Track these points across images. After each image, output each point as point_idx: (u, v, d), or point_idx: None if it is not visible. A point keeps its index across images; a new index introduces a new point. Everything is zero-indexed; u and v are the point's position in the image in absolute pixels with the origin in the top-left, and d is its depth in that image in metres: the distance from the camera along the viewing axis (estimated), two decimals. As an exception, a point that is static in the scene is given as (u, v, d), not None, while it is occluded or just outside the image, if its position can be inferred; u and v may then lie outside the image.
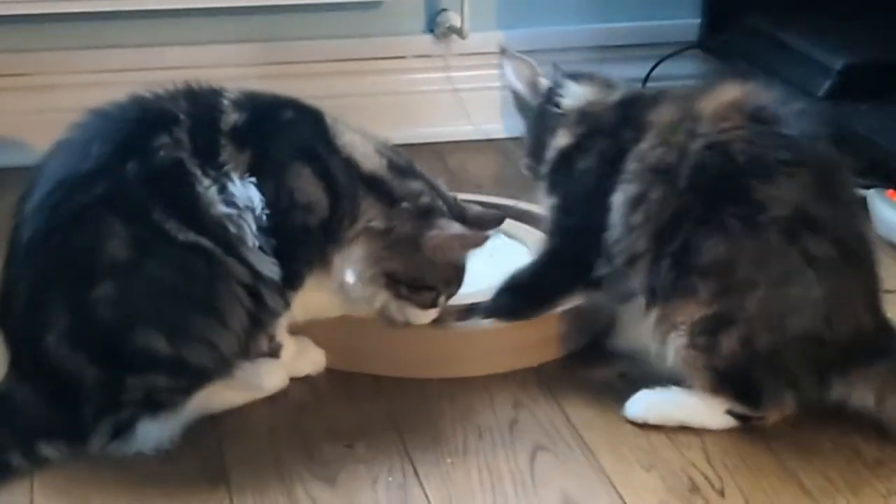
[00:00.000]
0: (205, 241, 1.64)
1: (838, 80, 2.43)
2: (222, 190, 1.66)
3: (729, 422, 1.75)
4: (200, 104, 1.73)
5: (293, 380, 1.84)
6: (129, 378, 1.65)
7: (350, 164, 1.77)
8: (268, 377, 1.81)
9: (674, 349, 1.73)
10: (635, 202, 1.74)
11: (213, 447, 1.71)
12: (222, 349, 1.67)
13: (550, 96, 1.92)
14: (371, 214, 1.77)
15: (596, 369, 1.90)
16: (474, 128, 2.79)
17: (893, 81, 2.44)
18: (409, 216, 1.77)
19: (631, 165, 1.75)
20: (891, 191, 2.35)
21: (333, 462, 1.69)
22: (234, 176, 1.68)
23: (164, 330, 1.63)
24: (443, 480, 1.66)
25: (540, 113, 1.94)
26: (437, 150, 2.72)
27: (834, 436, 1.74)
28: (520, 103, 1.99)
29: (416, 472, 1.67)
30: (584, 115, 1.87)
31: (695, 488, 1.65)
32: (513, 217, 2.20)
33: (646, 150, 1.74)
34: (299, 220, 1.72)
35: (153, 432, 1.67)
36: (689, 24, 2.82)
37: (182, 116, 1.69)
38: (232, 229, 1.65)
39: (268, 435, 1.75)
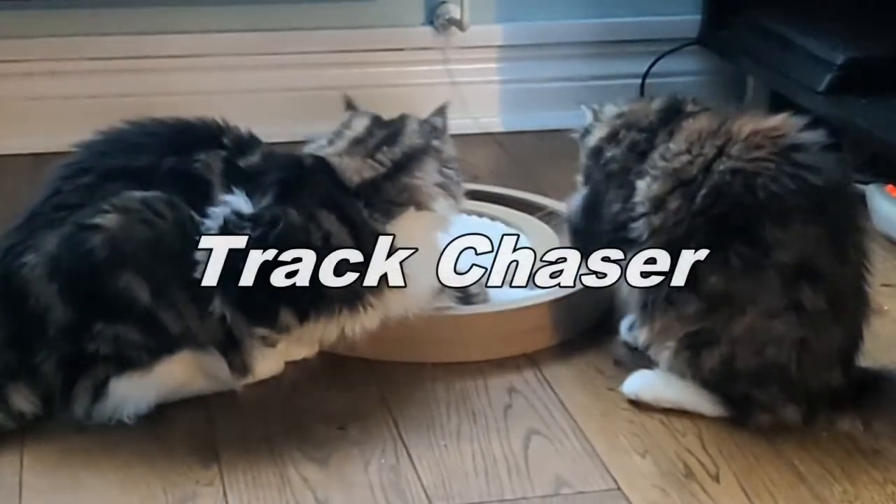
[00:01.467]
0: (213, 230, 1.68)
1: (839, 74, 2.42)
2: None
3: (723, 411, 1.74)
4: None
5: (286, 362, 1.83)
6: (99, 325, 1.64)
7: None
8: (261, 362, 1.79)
9: (664, 359, 1.74)
10: (657, 204, 1.72)
11: (204, 427, 1.70)
12: (193, 326, 1.68)
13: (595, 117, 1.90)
14: None
15: (590, 356, 1.89)
16: (473, 121, 2.78)
17: (894, 76, 2.42)
18: None
19: (659, 162, 1.73)
20: (890, 186, 2.35)
21: (326, 444, 1.68)
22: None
23: (151, 282, 1.64)
24: (436, 463, 1.65)
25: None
26: (435, 142, 2.71)
27: (830, 425, 1.72)
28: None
29: (409, 455, 1.66)
30: (623, 115, 1.85)
31: (690, 473, 1.64)
32: (512, 206, 2.20)
33: (673, 152, 1.72)
34: None
35: (127, 393, 1.67)
36: (689, 19, 2.82)
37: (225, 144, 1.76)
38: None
39: (260, 416, 1.74)
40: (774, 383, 1.69)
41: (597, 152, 1.84)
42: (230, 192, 1.70)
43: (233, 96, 2.61)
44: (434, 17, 2.75)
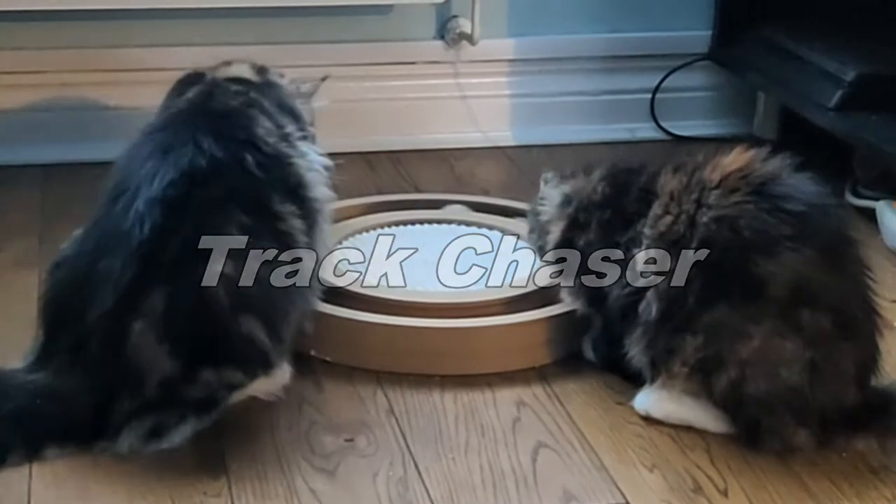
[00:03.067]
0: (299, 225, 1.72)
1: (849, 90, 2.42)
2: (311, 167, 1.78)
3: (732, 429, 1.73)
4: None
5: (294, 374, 1.82)
6: (207, 371, 1.64)
7: None
8: (282, 370, 1.79)
9: (677, 383, 1.74)
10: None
11: (213, 438, 1.70)
12: (287, 346, 1.70)
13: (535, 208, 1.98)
14: None
15: (599, 370, 1.88)
16: (482, 135, 2.78)
17: (904, 92, 2.43)
18: None
19: (647, 230, 1.76)
20: (901, 202, 2.35)
21: (334, 455, 1.68)
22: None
23: (267, 320, 1.65)
24: (444, 476, 1.65)
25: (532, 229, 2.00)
26: (444, 156, 2.72)
27: (846, 446, 1.72)
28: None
29: (416, 468, 1.66)
30: (569, 199, 1.90)
31: (698, 488, 1.63)
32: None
33: (656, 217, 1.75)
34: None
35: (186, 433, 1.66)
36: (699, 35, 2.81)
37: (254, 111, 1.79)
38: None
39: (268, 427, 1.74)
40: (786, 410, 1.68)
41: (567, 243, 1.88)
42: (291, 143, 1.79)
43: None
44: (445, 31, 2.75)
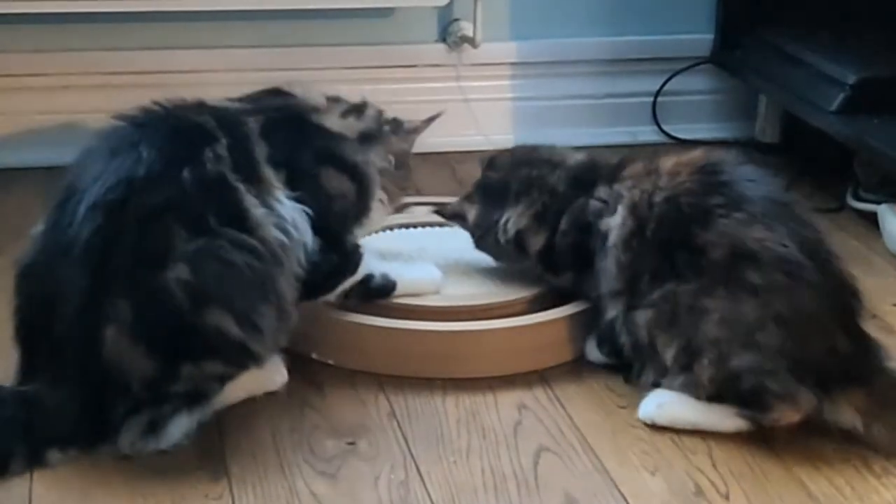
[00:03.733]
0: (259, 246, 1.68)
1: (851, 94, 2.41)
2: (270, 212, 1.72)
3: (741, 424, 1.74)
4: (228, 123, 1.78)
5: (296, 376, 1.83)
6: (186, 366, 1.64)
7: (343, 138, 1.88)
8: (279, 371, 1.80)
9: (676, 386, 1.76)
10: (626, 243, 1.81)
11: (214, 441, 1.70)
12: (268, 338, 1.69)
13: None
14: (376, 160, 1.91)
15: (601, 373, 1.89)
16: (484, 138, 2.78)
17: (906, 96, 2.43)
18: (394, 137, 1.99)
19: (624, 193, 1.84)
20: (903, 206, 2.35)
21: (335, 458, 1.68)
22: (280, 196, 1.75)
23: (233, 312, 1.65)
24: (445, 479, 1.65)
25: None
26: (446, 159, 2.72)
27: (841, 444, 1.72)
28: None
29: (418, 471, 1.66)
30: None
31: (700, 492, 1.63)
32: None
33: (628, 186, 1.85)
34: (338, 210, 1.84)
35: (183, 427, 1.66)
36: (701, 38, 2.81)
37: (218, 132, 1.74)
38: (279, 253, 1.71)
39: (270, 430, 1.74)
40: (780, 369, 1.69)
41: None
42: (248, 187, 1.72)
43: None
44: (447, 34, 2.76)
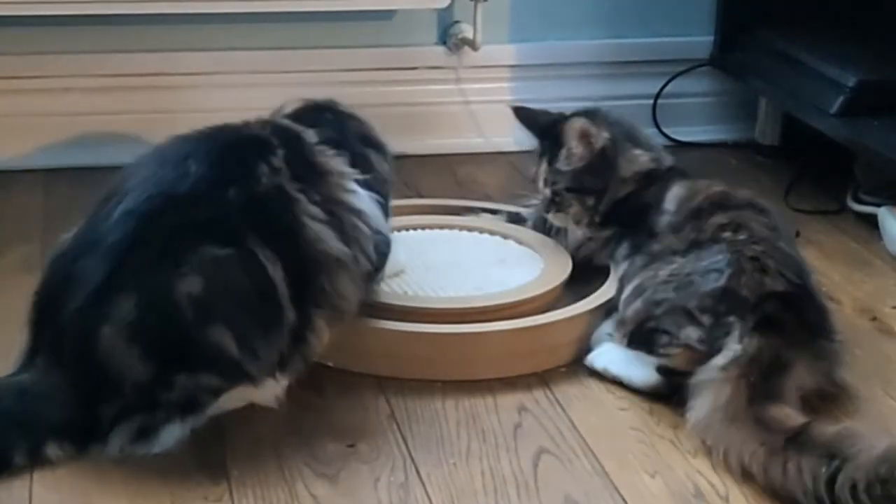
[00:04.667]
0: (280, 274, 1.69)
1: (851, 96, 2.41)
2: (334, 219, 1.75)
3: (656, 378, 1.81)
4: (289, 138, 1.81)
5: (296, 379, 1.83)
6: (181, 376, 1.64)
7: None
8: (272, 385, 1.79)
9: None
10: None
11: (214, 443, 1.70)
12: (265, 364, 1.69)
13: None
14: None
15: (600, 376, 1.88)
16: (485, 140, 2.79)
17: (906, 98, 2.43)
18: None
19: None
20: (903, 208, 2.35)
21: (335, 460, 1.68)
22: (352, 185, 1.80)
23: (236, 332, 1.65)
24: (445, 482, 1.65)
25: None
26: (447, 161, 2.72)
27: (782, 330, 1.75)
28: None
29: (418, 473, 1.66)
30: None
31: (699, 494, 1.63)
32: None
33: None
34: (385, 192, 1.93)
35: (175, 434, 1.66)
36: (701, 41, 2.81)
37: (276, 144, 1.77)
38: (334, 267, 1.73)
39: (270, 432, 1.74)
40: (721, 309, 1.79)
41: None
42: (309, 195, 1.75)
43: (247, 114, 2.61)
44: (447, 36, 2.76)
